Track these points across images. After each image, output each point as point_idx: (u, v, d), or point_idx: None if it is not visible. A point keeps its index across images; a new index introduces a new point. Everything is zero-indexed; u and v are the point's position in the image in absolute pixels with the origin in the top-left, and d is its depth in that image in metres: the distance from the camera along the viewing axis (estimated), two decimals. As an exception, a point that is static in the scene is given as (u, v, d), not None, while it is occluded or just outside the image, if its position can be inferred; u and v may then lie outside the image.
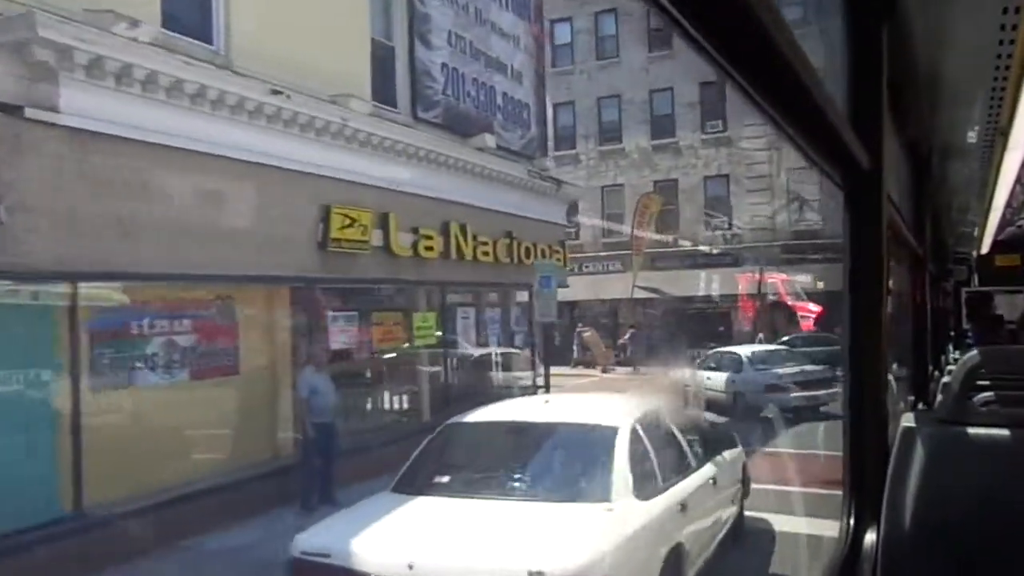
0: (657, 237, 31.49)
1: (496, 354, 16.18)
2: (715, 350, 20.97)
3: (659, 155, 31.79)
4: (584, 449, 6.38)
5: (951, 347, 7.58)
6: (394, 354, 13.13)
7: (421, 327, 13.39)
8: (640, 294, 30.90)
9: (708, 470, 6.96)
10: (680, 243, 31.30)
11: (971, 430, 1.62)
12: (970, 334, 8.35)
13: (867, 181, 1.77)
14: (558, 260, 17.66)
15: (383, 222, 12.11)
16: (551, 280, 15.31)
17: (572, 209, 21.33)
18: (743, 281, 29.55)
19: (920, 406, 3.91)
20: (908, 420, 1.75)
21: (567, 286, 19.34)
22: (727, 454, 7.55)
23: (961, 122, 3.60)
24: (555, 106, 33.17)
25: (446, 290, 14.54)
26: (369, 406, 13.03)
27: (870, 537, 1.75)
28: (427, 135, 13.46)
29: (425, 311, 13.89)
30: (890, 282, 2.38)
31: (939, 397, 3.57)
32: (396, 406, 13.63)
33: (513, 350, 16.94)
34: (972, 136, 3.82)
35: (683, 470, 6.68)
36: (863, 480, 1.83)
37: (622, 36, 32.03)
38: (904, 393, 4.41)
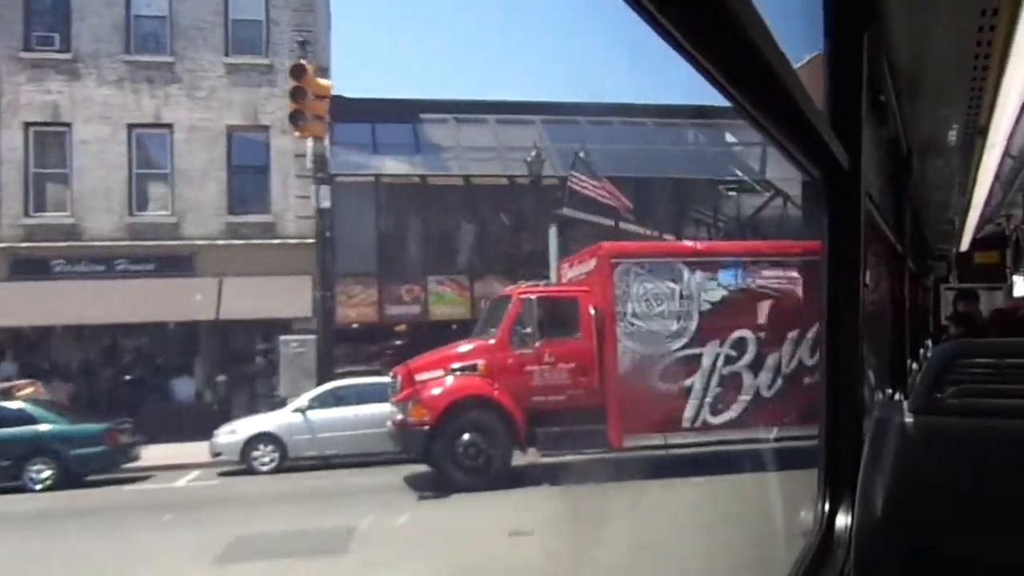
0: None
1: None
2: None
3: None
4: None
5: (929, 343, 7.35)
6: None
7: None
8: None
9: None
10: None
11: (942, 420, 1.62)
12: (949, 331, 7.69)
13: (846, 179, 1.81)
14: None
15: None
16: None
17: None
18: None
19: (898, 398, 4.01)
20: (881, 410, 1.75)
21: None
22: None
23: (940, 121, 3.69)
24: None
25: None
26: None
27: (844, 523, 1.80)
28: None
29: None
30: (868, 278, 2.30)
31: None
32: None
33: None
34: (951, 135, 3.91)
35: None
36: (837, 469, 1.88)
37: None
38: (883, 387, 4.41)
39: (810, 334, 12.42)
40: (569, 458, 11.64)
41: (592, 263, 12.34)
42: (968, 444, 1.59)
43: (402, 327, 19.94)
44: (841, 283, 1.92)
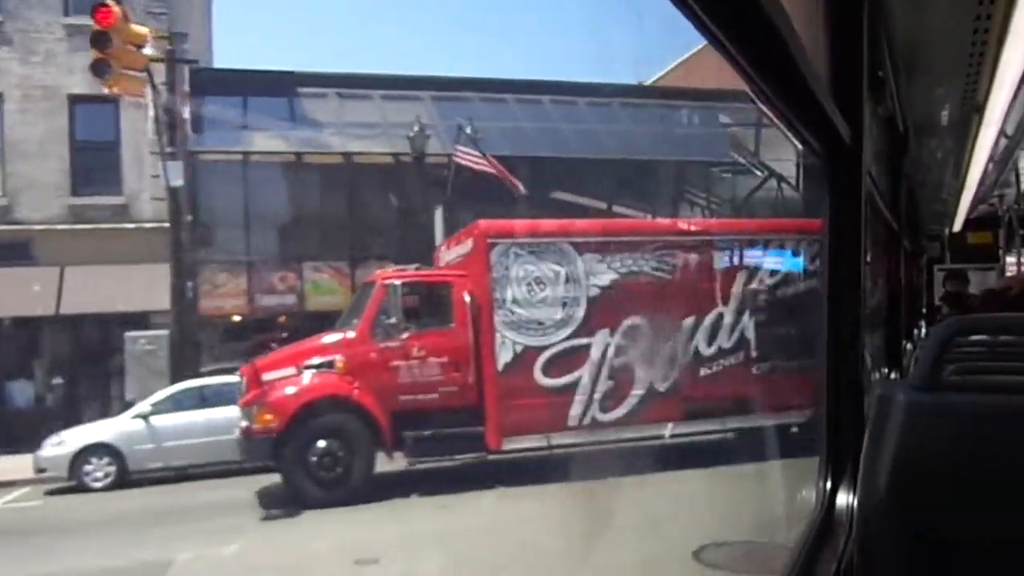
0: None
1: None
2: None
3: None
4: None
5: (923, 323, 7.32)
6: None
7: None
8: None
9: None
10: None
11: (944, 397, 1.58)
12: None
13: (847, 155, 1.83)
14: None
15: None
16: None
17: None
18: None
19: (894, 377, 4.14)
20: (883, 387, 1.70)
21: None
22: None
23: (938, 98, 3.71)
24: None
25: None
26: None
27: (846, 501, 1.83)
28: None
29: None
30: (867, 256, 2.24)
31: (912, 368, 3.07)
32: None
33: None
34: (948, 112, 3.93)
35: None
36: (839, 447, 1.89)
37: None
38: (878, 367, 4.37)
39: (708, 320, 11.47)
40: (443, 464, 10.32)
41: (468, 244, 11.01)
42: (971, 420, 1.54)
43: (283, 319, 18.27)
44: (843, 259, 1.92)
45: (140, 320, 16.34)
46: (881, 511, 1.53)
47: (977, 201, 7.36)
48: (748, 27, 1.01)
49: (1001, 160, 5.33)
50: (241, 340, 17.41)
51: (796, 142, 1.68)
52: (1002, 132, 4.36)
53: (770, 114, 1.37)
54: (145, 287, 16.03)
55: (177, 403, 13.09)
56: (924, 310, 9.10)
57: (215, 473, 12.08)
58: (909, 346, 5.13)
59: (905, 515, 1.51)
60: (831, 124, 1.57)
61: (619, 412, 10.83)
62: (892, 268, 5.03)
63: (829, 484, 1.87)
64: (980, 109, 3.66)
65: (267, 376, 10.07)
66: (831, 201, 1.87)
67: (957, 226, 9.00)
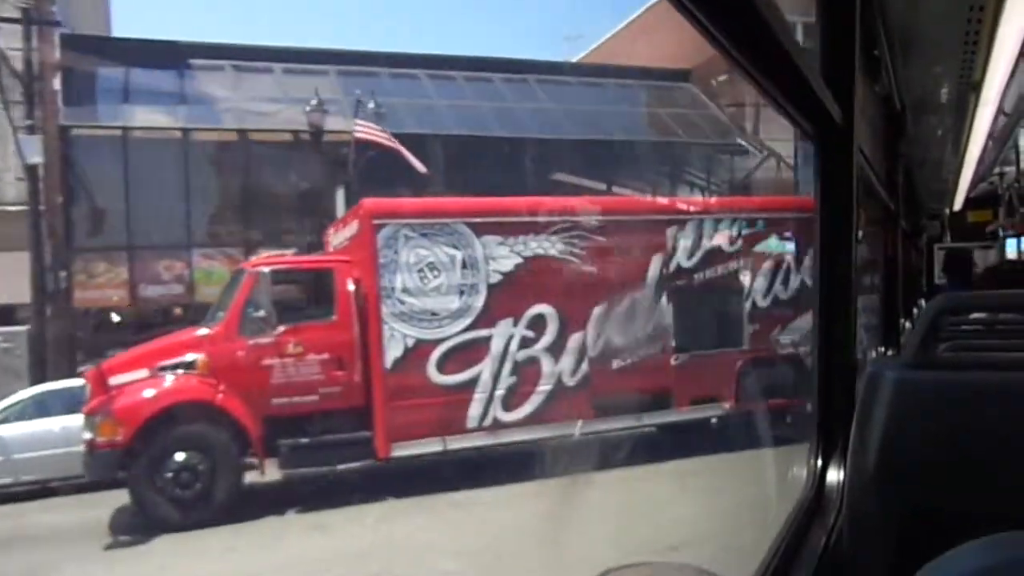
0: None
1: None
2: None
3: None
4: None
5: (923, 302, 7.12)
6: None
7: None
8: None
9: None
10: None
11: (934, 373, 1.58)
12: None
13: (838, 134, 1.81)
14: None
15: None
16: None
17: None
18: None
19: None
20: (874, 365, 1.71)
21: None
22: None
23: (934, 77, 3.68)
24: None
25: None
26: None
27: (836, 478, 1.83)
28: None
29: None
30: (860, 235, 2.29)
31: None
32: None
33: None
34: (945, 91, 3.90)
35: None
36: (831, 425, 1.90)
37: None
38: (876, 346, 4.45)
39: (621, 307, 10.54)
40: (323, 473, 9.14)
41: (354, 226, 9.80)
42: (962, 397, 1.53)
43: (179, 311, 16.76)
44: (834, 240, 1.91)
45: (8, 314, 14.70)
46: (870, 488, 1.53)
47: (977, 180, 7.28)
48: (730, 5, 0.99)
49: (1000, 138, 5.27)
50: (129, 334, 15.88)
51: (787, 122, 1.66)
52: (1000, 110, 4.32)
53: (757, 92, 1.34)
54: (11, 277, 14.38)
55: (39, 407, 11.61)
56: (924, 290, 8.89)
57: (83, 487, 10.68)
58: (908, 325, 5.12)
59: (893, 491, 1.50)
60: (820, 104, 1.55)
61: (525, 410, 9.82)
62: (889, 248, 4.99)
63: (820, 462, 1.88)
64: (977, 87, 3.67)
65: (115, 380, 8.71)
66: (822, 181, 1.86)
67: (957, 205, 8.94)
